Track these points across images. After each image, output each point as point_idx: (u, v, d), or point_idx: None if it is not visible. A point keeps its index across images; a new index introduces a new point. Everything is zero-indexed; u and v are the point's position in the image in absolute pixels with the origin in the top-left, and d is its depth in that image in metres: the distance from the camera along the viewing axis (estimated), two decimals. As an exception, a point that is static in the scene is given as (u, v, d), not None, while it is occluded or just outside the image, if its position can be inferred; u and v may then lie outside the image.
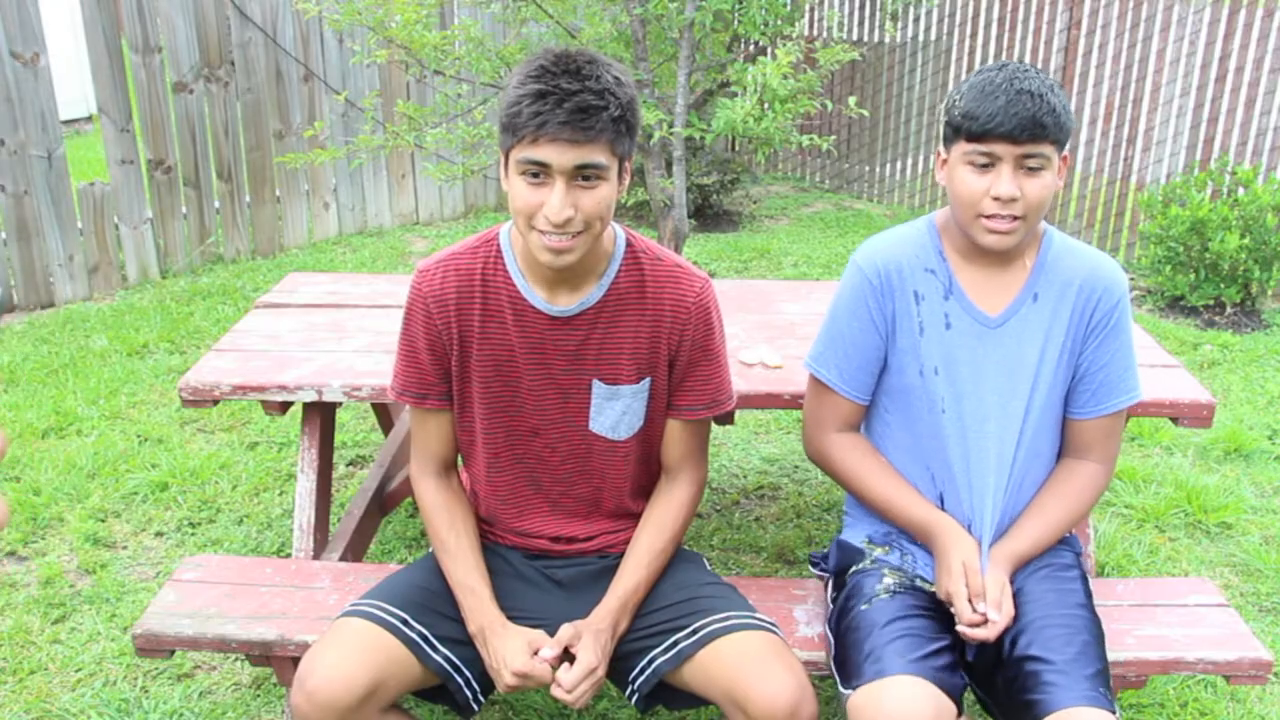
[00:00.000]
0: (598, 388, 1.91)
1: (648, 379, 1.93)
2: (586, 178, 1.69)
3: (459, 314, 1.88)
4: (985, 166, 1.83)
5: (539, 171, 1.68)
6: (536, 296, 1.86)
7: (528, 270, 1.86)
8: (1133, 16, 5.88)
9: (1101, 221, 6.15)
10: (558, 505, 2.02)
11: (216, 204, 5.65)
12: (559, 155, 1.66)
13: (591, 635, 1.84)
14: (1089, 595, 1.99)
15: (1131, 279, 5.70)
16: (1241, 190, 5.21)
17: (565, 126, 1.64)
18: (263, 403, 2.50)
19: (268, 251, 5.88)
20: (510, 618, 1.91)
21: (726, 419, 2.59)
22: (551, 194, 1.68)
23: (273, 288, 3.10)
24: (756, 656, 1.79)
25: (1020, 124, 1.78)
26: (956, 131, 1.85)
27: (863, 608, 1.94)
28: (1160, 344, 2.89)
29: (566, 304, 1.87)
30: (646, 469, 2.05)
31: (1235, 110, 5.56)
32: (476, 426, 1.97)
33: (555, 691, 1.81)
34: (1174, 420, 2.48)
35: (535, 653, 1.83)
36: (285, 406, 2.52)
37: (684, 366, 1.94)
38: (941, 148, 1.92)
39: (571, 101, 1.64)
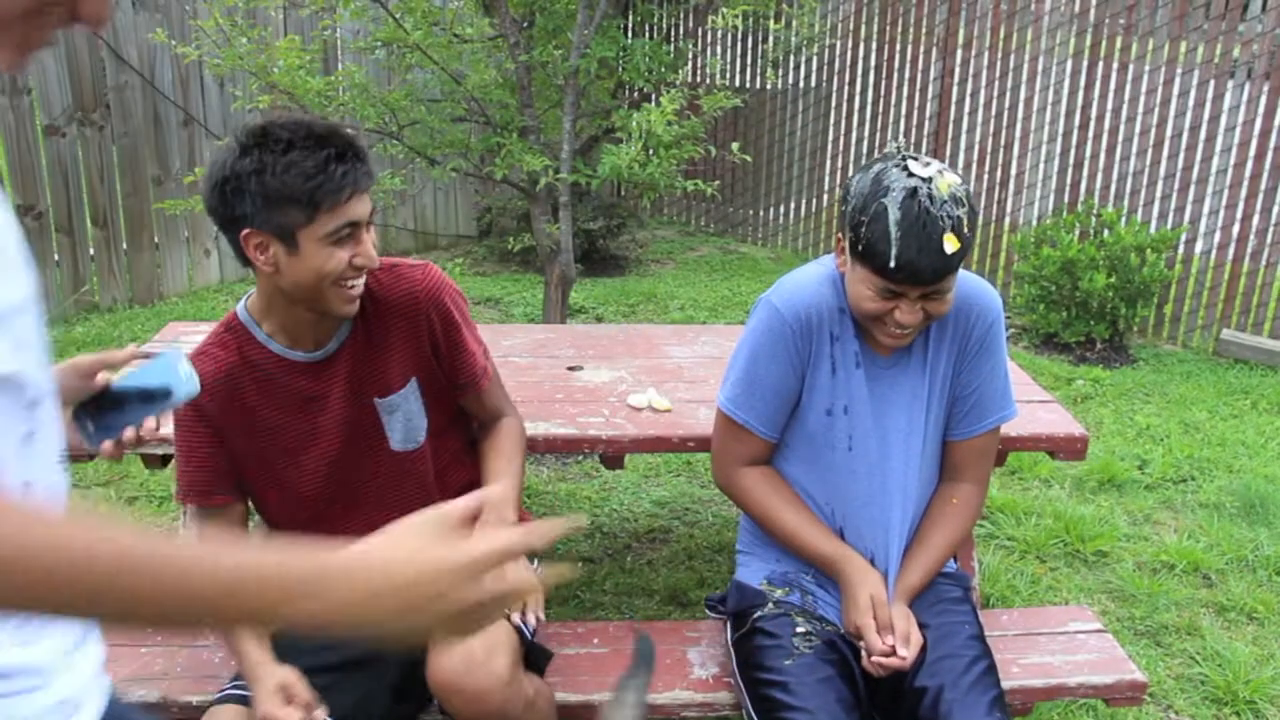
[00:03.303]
0: (379, 405, 1.99)
1: (413, 378, 2.01)
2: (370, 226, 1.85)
3: (230, 396, 1.92)
4: (891, 294, 1.84)
5: (350, 230, 1.78)
6: (297, 354, 1.94)
7: (280, 334, 1.93)
8: (1001, 67, 6.12)
9: (978, 262, 6.35)
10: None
11: (91, 251, 5.48)
12: (361, 208, 1.79)
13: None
14: (980, 627, 2.04)
15: (1008, 317, 5.89)
16: (1106, 232, 5.44)
17: (356, 181, 1.77)
18: (142, 456, 2.42)
19: (146, 300, 5.72)
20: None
21: (617, 463, 2.60)
22: (363, 244, 1.81)
23: (152, 338, 3.02)
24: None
25: (933, 274, 1.78)
26: (860, 258, 1.83)
27: (787, 662, 1.95)
28: (1036, 380, 2.99)
29: (326, 346, 1.95)
30: (453, 482, 2.11)
31: (1098, 156, 5.82)
32: (289, 493, 2.01)
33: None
34: (1050, 454, 2.57)
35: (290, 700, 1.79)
36: (166, 460, 2.44)
37: (445, 348, 2.03)
38: (841, 235, 1.90)
39: (349, 155, 1.77)
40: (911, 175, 1.79)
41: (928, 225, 1.76)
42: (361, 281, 1.85)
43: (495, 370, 2.16)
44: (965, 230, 1.79)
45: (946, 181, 1.80)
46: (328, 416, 1.96)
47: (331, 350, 1.95)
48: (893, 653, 1.89)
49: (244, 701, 1.81)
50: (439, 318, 2.00)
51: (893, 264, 1.77)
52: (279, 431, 1.96)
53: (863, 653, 1.94)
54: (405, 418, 2.02)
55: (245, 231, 1.76)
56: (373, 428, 2.00)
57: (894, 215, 1.77)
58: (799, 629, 2.00)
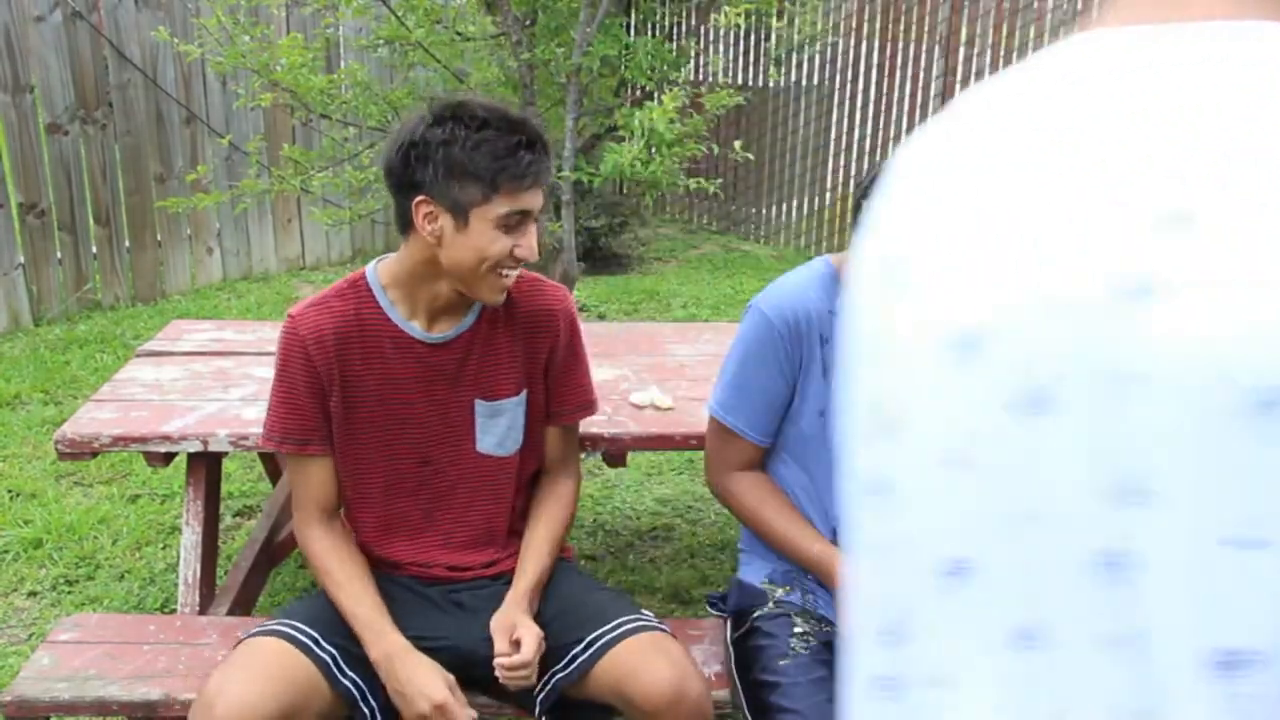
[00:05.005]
0: (480, 407, 1.99)
1: (525, 391, 2.02)
2: (537, 218, 1.88)
3: (339, 353, 1.92)
4: None
5: (520, 219, 1.81)
6: (414, 328, 1.94)
7: (403, 304, 1.94)
8: (1004, 64, 6.12)
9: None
10: (451, 537, 2.05)
11: (94, 249, 5.49)
12: (536, 200, 1.82)
13: (523, 618, 1.91)
14: None
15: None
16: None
17: (538, 173, 1.80)
18: (145, 454, 2.43)
19: (148, 298, 5.73)
20: (414, 638, 1.91)
21: (619, 461, 2.60)
22: (527, 236, 1.83)
23: (155, 335, 3.02)
24: (641, 654, 1.87)
25: None
26: None
27: (782, 663, 1.95)
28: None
29: (444, 330, 1.95)
30: (528, 489, 2.13)
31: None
32: (366, 465, 2.00)
33: (509, 675, 1.85)
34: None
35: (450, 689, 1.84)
36: (169, 458, 2.45)
37: (558, 373, 2.05)
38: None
39: (538, 148, 1.80)
40: None
41: None
42: (516, 274, 1.87)
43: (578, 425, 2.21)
44: None
45: None
46: (424, 401, 1.97)
47: (448, 337, 1.95)
48: None
49: (281, 636, 1.86)
50: (566, 338, 2.04)
51: None
52: (372, 402, 1.95)
53: None
54: (509, 425, 2.02)
55: (419, 198, 1.79)
56: (464, 424, 2.00)
57: None
58: (797, 629, 2.00)
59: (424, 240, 1.82)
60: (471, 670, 1.95)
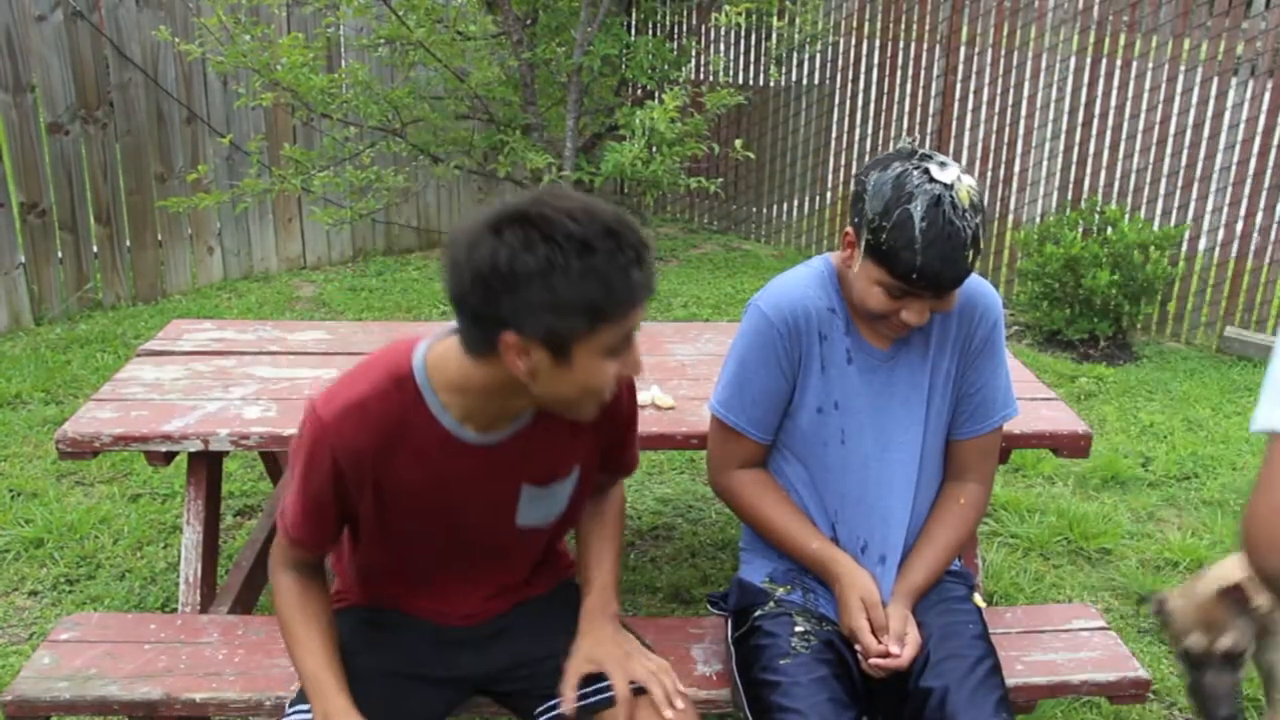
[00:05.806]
0: (527, 490, 1.84)
1: (577, 467, 1.87)
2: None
3: (377, 464, 1.71)
4: (903, 295, 1.85)
5: (628, 338, 1.59)
6: (468, 433, 1.73)
7: (456, 408, 1.70)
8: (1004, 64, 6.12)
9: (981, 259, 6.34)
10: (476, 590, 1.97)
11: (95, 249, 5.49)
12: (643, 313, 1.58)
13: (614, 663, 1.83)
14: (984, 626, 2.04)
15: (1011, 314, 5.89)
16: (1110, 229, 5.43)
17: (650, 289, 1.57)
18: (146, 453, 2.43)
19: (149, 298, 5.73)
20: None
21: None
22: (633, 352, 1.62)
23: (155, 335, 3.02)
24: (648, 704, 1.82)
25: (953, 283, 1.81)
26: (878, 260, 1.82)
27: (782, 662, 1.94)
28: (1039, 377, 2.99)
29: (501, 430, 1.75)
30: (558, 533, 2.03)
31: (1101, 153, 5.81)
32: (396, 542, 1.87)
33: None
34: (1054, 451, 2.57)
35: None
36: (169, 457, 2.45)
37: (618, 439, 1.93)
38: (852, 232, 1.88)
39: (646, 259, 1.55)
40: (934, 181, 1.78)
41: (951, 236, 1.76)
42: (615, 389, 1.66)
43: None
44: (981, 238, 1.81)
45: (965, 187, 1.80)
46: (468, 490, 1.79)
47: (504, 437, 1.75)
48: (889, 654, 1.90)
49: None
50: (626, 409, 1.90)
51: (916, 274, 1.78)
52: (409, 497, 1.77)
53: (860, 655, 1.94)
54: (554, 501, 1.87)
55: (507, 335, 1.51)
56: (507, 504, 1.84)
57: (919, 225, 1.76)
58: (797, 628, 2.00)
59: (518, 375, 1.57)
60: (459, 695, 1.94)
